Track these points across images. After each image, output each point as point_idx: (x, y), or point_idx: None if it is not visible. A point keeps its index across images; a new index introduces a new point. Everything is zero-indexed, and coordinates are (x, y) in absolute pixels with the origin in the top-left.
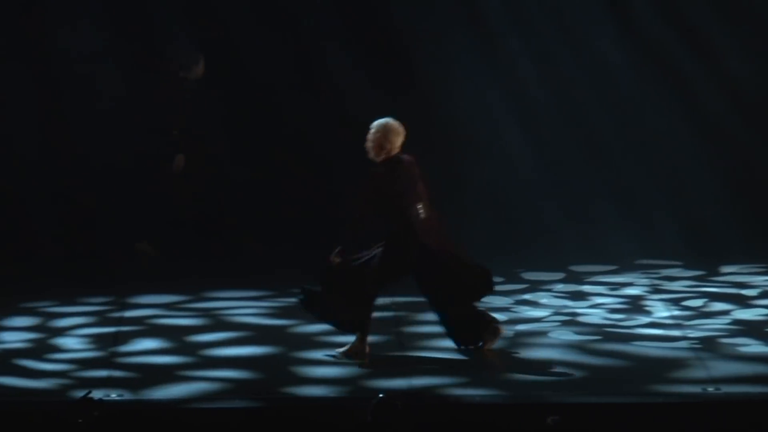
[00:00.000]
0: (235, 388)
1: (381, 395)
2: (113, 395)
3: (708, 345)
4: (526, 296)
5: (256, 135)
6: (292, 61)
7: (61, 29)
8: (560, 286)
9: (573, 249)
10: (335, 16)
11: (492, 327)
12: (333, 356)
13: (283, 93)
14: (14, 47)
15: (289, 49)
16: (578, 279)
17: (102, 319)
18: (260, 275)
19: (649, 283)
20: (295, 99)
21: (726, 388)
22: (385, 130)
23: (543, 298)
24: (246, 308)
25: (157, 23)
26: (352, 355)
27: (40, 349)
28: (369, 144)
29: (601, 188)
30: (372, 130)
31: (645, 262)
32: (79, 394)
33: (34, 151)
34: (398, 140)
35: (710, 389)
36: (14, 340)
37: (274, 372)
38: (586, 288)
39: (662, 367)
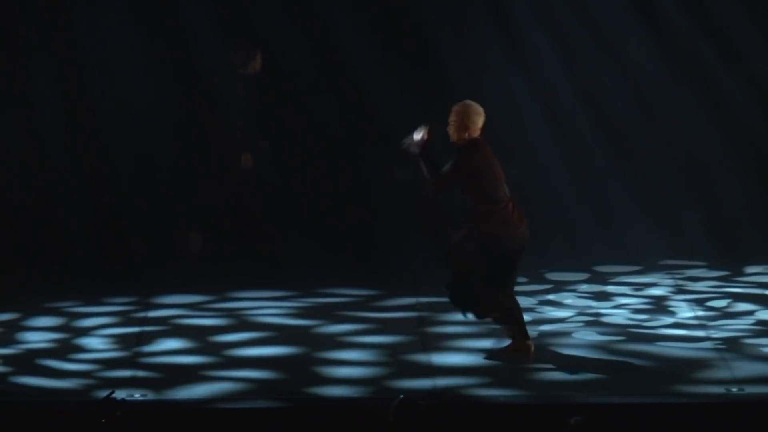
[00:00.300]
0: (259, 388)
1: (402, 395)
2: (137, 395)
3: (732, 345)
4: (550, 296)
5: (282, 134)
6: (320, 60)
7: (89, 30)
8: (584, 287)
9: (597, 249)
10: (365, 18)
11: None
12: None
13: (311, 93)
14: (43, 49)
15: (317, 49)
16: (602, 279)
17: (126, 319)
18: (284, 275)
19: (673, 284)
20: (323, 99)
21: (750, 389)
22: (467, 111)
23: (567, 298)
24: (270, 308)
25: (186, 23)
26: (514, 353)
27: (64, 349)
28: (451, 126)
29: (626, 188)
30: (451, 113)
31: (669, 262)
32: (103, 394)
33: (63, 150)
34: (480, 121)
35: (734, 390)
36: (38, 340)
37: (298, 372)
38: (610, 288)
39: (686, 368)
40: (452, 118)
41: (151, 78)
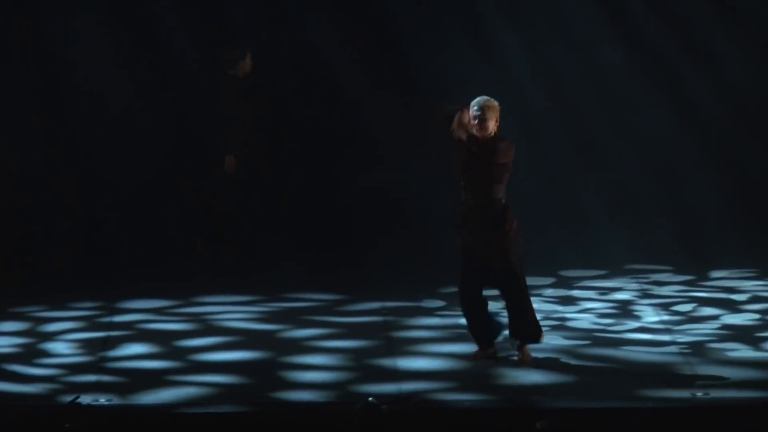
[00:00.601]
0: (224, 392)
1: (370, 399)
2: (102, 400)
3: (697, 350)
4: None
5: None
6: (291, 62)
7: (64, 35)
8: (550, 291)
9: (563, 253)
10: (337, 19)
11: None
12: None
13: (282, 94)
14: (16, 53)
15: (288, 51)
16: (568, 284)
17: (91, 324)
18: (250, 279)
19: (638, 288)
20: (294, 101)
21: (715, 393)
22: (495, 107)
23: (533, 303)
24: (235, 313)
25: (160, 24)
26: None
27: (30, 354)
28: (489, 122)
29: (591, 192)
30: (483, 108)
31: (635, 266)
32: (68, 399)
33: (31, 152)
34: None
35: (699, 394)
36: (4, 344)
37: (263, 377)
38: (576, 293)
39: (651, 372)
40: (487, 114)
41: (126, 77)
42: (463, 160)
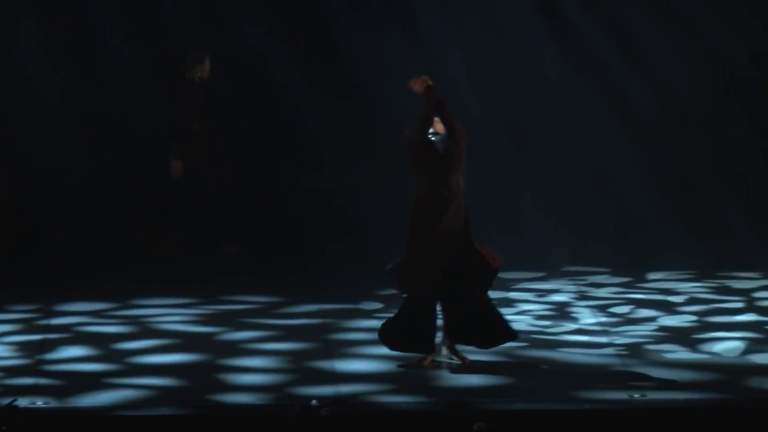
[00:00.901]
0: (162, 395)
1: (313, 401)
2: (39, 403)
3: (634, 351)
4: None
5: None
6: (228, 62)
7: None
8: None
9: (500, 255)
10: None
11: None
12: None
13: (220, 96)
14: None
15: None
16: (505, 286)
17: (28, 327)
18: (187, 282)
19: (575, 290)
20: (233, 102)
21: (652, 395)
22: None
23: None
24: (173, 315)
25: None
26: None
27: None
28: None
29: (529, 195)
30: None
31: (572, 268)
32: (4, 402)
33: None
34: None
35: (636, 396)
36: None
37: (201, 379)
38: (513, 295)
39: (588, 374)
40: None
41: (61, 75)
42: (422, 151)
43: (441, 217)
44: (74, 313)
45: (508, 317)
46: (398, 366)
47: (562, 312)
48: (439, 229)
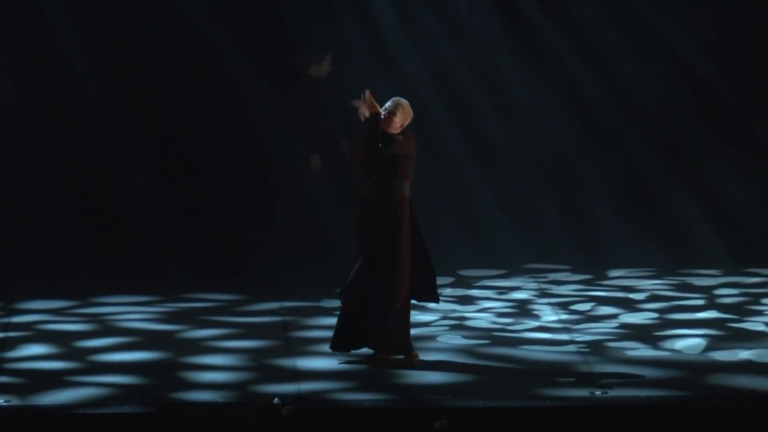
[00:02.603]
0: (124, 393)
1: (276, 399)
2: (0, 401)
3: (595, 349)
4: (413, 300)
5: (151, 139)
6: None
7: None
8: (448, 291)
9: (461, 253)
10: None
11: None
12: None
13: (176, 98)
14: None
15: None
16: (466, 283)
17: None
18: (149, 280)
19: (536, 287)
20: (191, 103)
21: (613, 392)
22: (406, 109)
23: (431, 302)
24: (134, 313)
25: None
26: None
27: None
28: (394, 117)
29: (490, 192)
30: (395, 104)
31: (533, 266)
32: None
33: None
34: None
35: (597, 393)
36: None
37: (162, 377)
38: (474, 292)
39: (550, 371)
40: (396, 110)
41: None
42: (364, 154)
43: (377, 220)
44: (35, 311)
45: (469, 314)
46: (359, 364)
47: (523, 309)
48: (373, 233)
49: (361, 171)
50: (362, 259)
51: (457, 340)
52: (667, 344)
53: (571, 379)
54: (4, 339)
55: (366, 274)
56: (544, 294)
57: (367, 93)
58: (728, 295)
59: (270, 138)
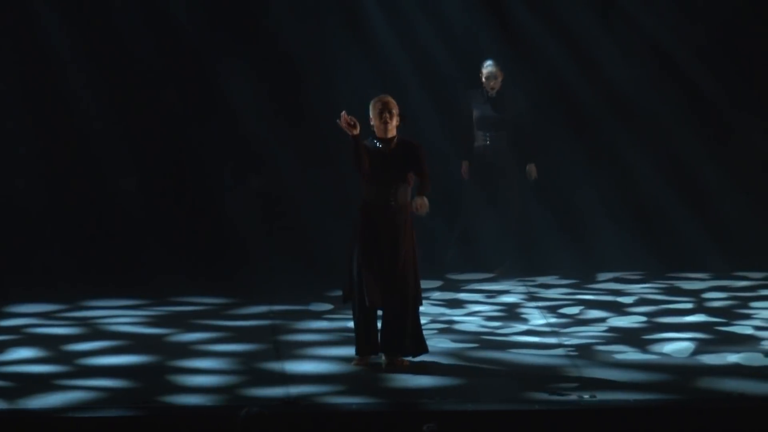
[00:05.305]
0: (112, 397)
1: (255, 409)
2: None
3: (584, 352)
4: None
5: (136, 141)
6: (169, 64)
7: None
8: (437, 294)
9: (450, 256)
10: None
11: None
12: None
13: (162, 99)
14: None
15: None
16: (455, 287)
17: None
18: (137, 284)
19: (525, 291)
20: (175, 105)
21: (602, 396)
22: (396, 105)
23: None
24: (123, 317)
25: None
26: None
27: None
28: (396, 118)
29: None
30: (394, 105)
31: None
32: None
33: None
34: None
35: (586, 397)
36: None
37: (151, 381)
38: (463, 296)
39: (538, 375)
40: (396, 110)
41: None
42: (369, 161)
43: (381, 227)
44: (24, 315)
45: (458, 318)
46: (348, 367)
47: (512, 313)
48: (378, 239)
49: (365, 178)
50: (373, 266)
51: (445, 343)
52: (656, 348)
53: (560, 383)
54: None
55: (379, 280)
56: (532, 297)
57: (343, 115)
58: (717, 299)
59: (261, 142)
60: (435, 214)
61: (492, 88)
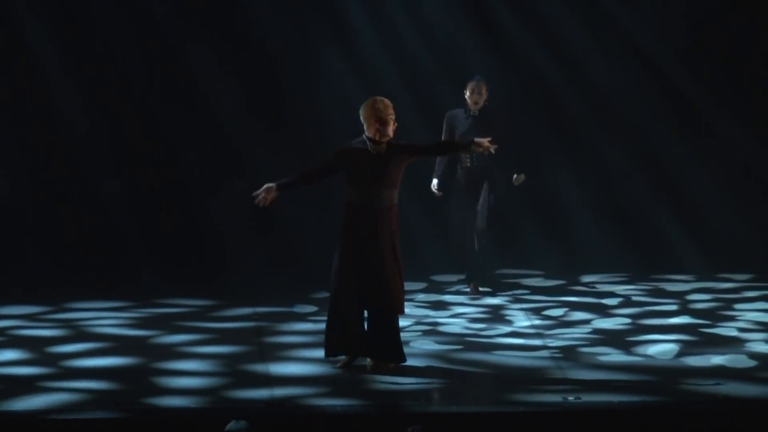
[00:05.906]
0: (97, 399)
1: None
2: None
3: (568, 354)
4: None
5: (118, 143)
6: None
7: None
8: (421, 296)
9: (435, 258)
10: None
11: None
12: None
13: (146, 102)
14: None
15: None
16: (439, 289)
17: None
18: (122, 286)
19: (510, 293)
20: (158, 108)
21: (586, 397)
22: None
23: (404, 307)
24: (107, 319)
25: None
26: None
27: None
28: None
29: None
30: (391, 107)
31: (506, 271)
32: None
33: None
34: None
35: (570, 398)
36: None
37: (135, 383)
38: (447, 298)
39: (523, 377)
40: (393, 115)
41: None
42: (360, 164)
43: (366, 228)
44: (8, 317)
45: (442, 320)
46: (333, 369)
47: (496, 315)
48: (363, 240)
49: (350, 179)
50: (356, 269)
51: (430, 345)
52: (640, 349)
53: (544, 385)
54: None
55: (362, 283)
56: (517, 299)
57: (261, 199)
58: (701, 301)
59: (244, 146)
60: (419, 217)
61: (475, 103)
